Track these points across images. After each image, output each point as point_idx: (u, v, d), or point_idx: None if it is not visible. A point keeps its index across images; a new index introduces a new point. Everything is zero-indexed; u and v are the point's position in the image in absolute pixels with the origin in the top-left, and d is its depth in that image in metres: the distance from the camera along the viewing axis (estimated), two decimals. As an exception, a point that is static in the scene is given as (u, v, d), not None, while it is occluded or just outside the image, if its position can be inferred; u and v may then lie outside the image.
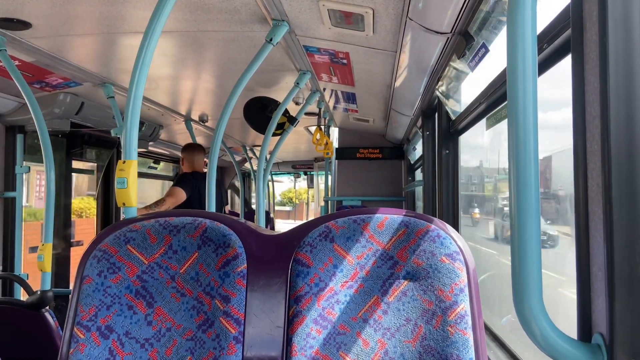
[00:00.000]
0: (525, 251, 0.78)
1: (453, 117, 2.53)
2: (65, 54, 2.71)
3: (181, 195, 3.92)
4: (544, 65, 1.27)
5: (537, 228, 0.79)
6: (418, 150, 4.56)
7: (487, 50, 1.64)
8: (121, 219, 1.41)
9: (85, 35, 2.47)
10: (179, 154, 6.10)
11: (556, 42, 1.16)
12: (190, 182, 4.04)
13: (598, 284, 0.81)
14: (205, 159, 4.40)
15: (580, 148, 0.85)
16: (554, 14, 1.19)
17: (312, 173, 10.26)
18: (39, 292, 2.51)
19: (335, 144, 5.84)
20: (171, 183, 7.04)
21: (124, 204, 1.44)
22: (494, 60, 1.73)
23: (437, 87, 2.50)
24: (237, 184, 8.66)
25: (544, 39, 1.21)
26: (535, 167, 0.79)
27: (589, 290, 0.84)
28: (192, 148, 4.34)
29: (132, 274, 1.28)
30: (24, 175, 3.55)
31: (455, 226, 2.69)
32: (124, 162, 1.46)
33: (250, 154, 7.15)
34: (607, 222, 0.76)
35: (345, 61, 2.82)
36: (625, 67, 0.75)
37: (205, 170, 4.28)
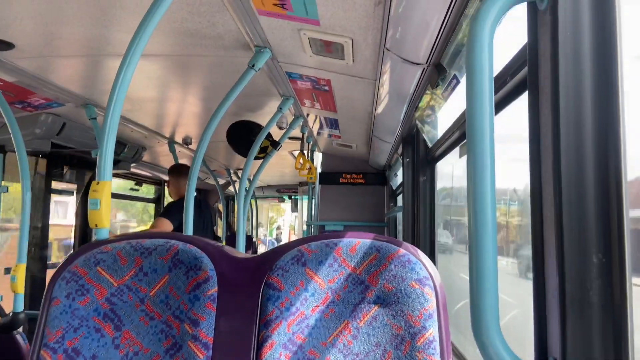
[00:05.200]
0: (482, 278, 0.81)
1: (430, 145, 2.57)
2: (48, 74, 2.72)
3: (166, 226, 3.79)
4: (505, 102, 1.33)
5: (494, 257, 0.81)
6: (399, 176, 4.61)
7: (458, 82, 1.69)
8: (92, 240, 1.41)
9: (68, 57, 2.49)
10: (162, 176, 6.08)
11: (515, 79, 1.22)
12: (177, 211, 3.86)
13: (553, 310, 0.83)
14: None
15: (535, 178, 0.89)
16: (512, 53, 1.24)
17: (296, 197, 10.27)
18: (10, 314, 2.46)
19: (319, 169, 5.87)
20: (152, 205, 7.00)
21: (96, 225, 1.44)
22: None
23: (415, 115, 2.56)
24: (221, 207, 8.62)
25: (504, 76, 1.27)
26: (492, 199, 0.82)
27: (544, 315, 0.86)
28: (179, 171, 4.21)
29: (101, 296, 1.27)
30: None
31: (432, 252, 2.71)
32: (98, 183, 1.46)
33: (235, 177, 7.14)
34: (559, 250, 0.78)
35: (327, 88, 2.87)
36: (576, 97, 0.79)
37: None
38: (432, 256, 2.76)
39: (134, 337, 1.26)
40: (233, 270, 1.33)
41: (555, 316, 0.81)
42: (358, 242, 1.31)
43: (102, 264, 1.28)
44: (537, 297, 0.89)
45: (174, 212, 3.89)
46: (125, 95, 1.60)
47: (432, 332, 1.21)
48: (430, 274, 1.28)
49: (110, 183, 1.46)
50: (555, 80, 0.79)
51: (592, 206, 0.78)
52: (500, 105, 1.35)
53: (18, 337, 2.44)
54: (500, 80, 1.29)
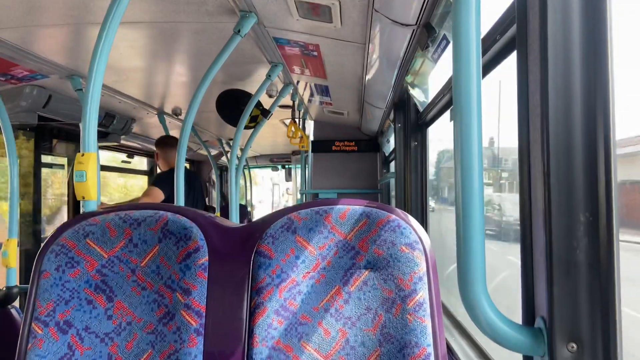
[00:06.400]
0: (470, 239, 0.80)
1: (421, 109, 2.55)
2: (30, 45, 2.64)
3: (158, 195, 3.83)
4: (494, 63, 1.30)
5: (481, 218, 0.81)
6: (392, 142, 4.59)
7: (447, 42, 1.65)
8: (81, 213, 1.40)
9: (50, 26, 2.42)
10: (153, 147, 6.04)
11: (504, 38, 1.19)
12: (168, 181, 3.93)
13: (540, 269, 0.83)
14: None
15: (524, 137, 0.88)
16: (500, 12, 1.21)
17: (290, 166, 10.24)
18: (4, 289, 2.47)
19: (311, 137, 5.83)
20: (145, 178, 6.97)
21: (83, 198, 1.43)
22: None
23: (406, 79, 2.52)
24: (214, 178, 8.59)
25: (492, 35, 1.24)
26: (479, 161, 0.81)
27: (532, 275, 0.87)
28: (165, 143, 4.25)
29: (92, 268, 1.27)
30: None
31: (424, 217, 2.73)
32: (83, 154, 1.44)
33: (227, 148, 7.09)
34: (547, 209, 0.78)
35: (315, 53, 2.81)
36: (564, 54, 0.77)
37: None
38: (423, 220, 2.77)
39: (127, 307, 1.27)
40: (223, 240, 1.32)
41: (543, 275, 0.81)
42: (348, 209, 1.31)
43: (91, 236, 1.28)
44: (524, 257, 0.89)
45: (164, 181, 3.93)
46: (109, 65, 1.56)
47: (423, 294, 1.22)
48: (420, 238, 1.28)
49: (95, 155, 1.44)
50: (544, 36, 0.77)
51: (580, 165, 0.77)
52: (488, 67, 1.32)
53: (13, 311, 2.45)
54: (488, 40, 1.26)
